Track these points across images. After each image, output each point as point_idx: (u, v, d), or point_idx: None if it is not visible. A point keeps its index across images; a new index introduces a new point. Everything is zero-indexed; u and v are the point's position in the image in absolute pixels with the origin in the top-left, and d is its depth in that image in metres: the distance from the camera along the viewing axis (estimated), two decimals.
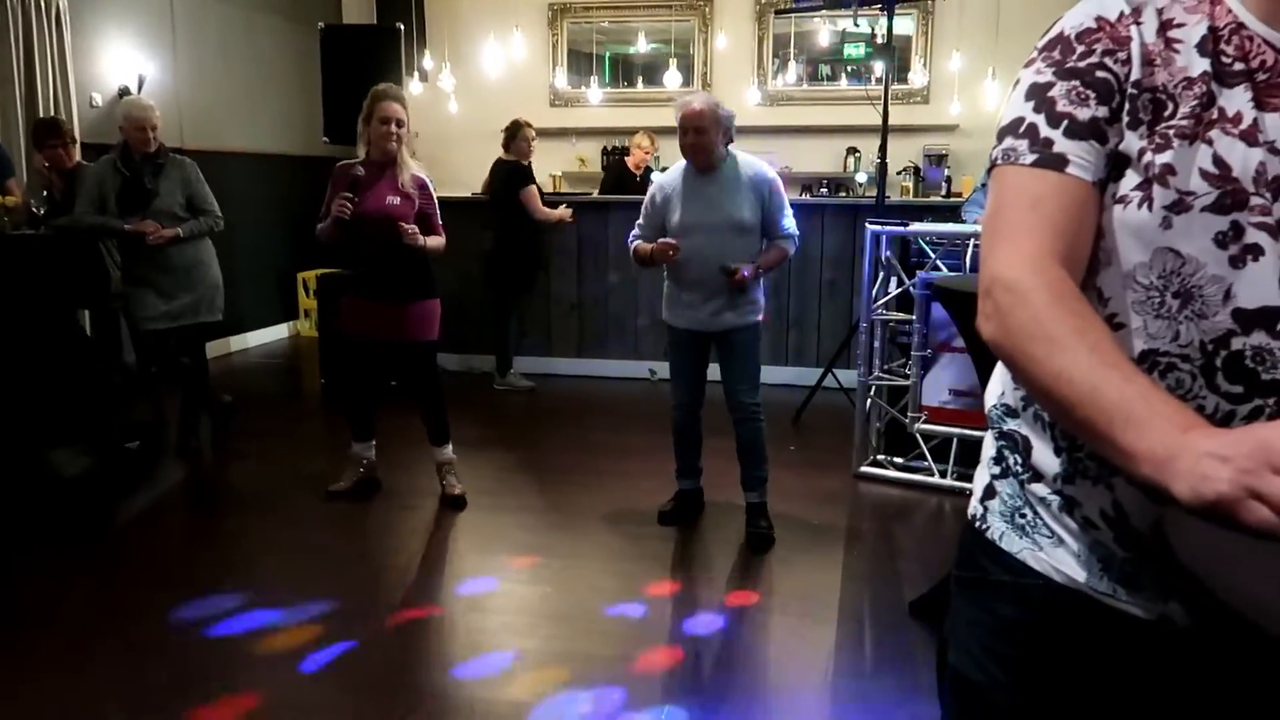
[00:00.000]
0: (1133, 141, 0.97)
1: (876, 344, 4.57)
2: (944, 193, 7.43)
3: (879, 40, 7.56)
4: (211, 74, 7.23)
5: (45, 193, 4.70)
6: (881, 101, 5.30)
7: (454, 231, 5.48)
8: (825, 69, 8.43)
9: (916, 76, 7.89)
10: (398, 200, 3.85)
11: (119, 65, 6.42)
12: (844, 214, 6.24)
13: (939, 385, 4.40)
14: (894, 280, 4.55)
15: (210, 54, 7.22)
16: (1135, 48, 0.97)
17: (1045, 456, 1.07)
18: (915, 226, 4.45)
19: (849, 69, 8.37)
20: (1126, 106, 0.97)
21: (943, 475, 4.34)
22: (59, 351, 4.58)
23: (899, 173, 7.59)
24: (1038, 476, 1.08)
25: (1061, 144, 0.98)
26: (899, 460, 4.55)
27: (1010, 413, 1.14)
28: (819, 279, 6.22)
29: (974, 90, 7.58)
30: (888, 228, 4.48)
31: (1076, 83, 0.99)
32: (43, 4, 5.66)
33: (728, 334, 3.62)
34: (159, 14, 6.75)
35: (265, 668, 2.78)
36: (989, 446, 1.18)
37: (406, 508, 4.11)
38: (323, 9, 8.41)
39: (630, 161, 7.35)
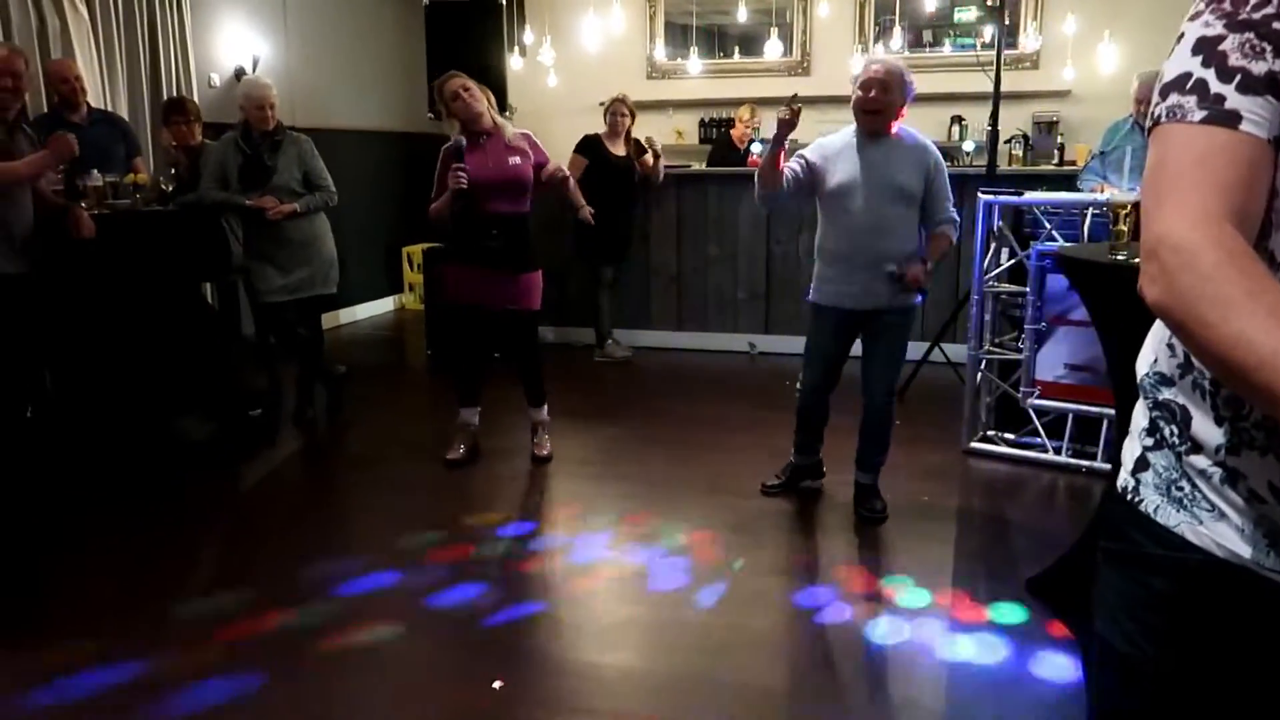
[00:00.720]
0: None
1: (988, 317, 4.46)
2: (1056, 161, 7.17)
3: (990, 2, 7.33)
4: (321, 53, 7.42)
5: (172, 170, 4.90)
6: (993, 67, 5.14)
7: (550, 205, 5.63)
8: (928, 35, 8.20)
9: (1029, 40, 7.61)
10: (517, 159, 4.01)
11: (235, 47, 6.64)
12: (952, 183, 6.05)
13: (1054, 360, 4.28)
14: (1005, 252, 4.42)
15: (320, 34, 7.41)
16: None
17: (1206, 427, 1.03)
18: (1030, 196, 4.31)
19: (954, 34, 8.12)
20: None
21: (1057, 452, 4.22)
22: (184, 322, 4.78)
23: (1007, 141, 7.35)
24: (1197, 448, 1.04)
25: (1234, 99, 0.93)
26: (1010, 436, 4.45)
27: (1165, 381, 1.10)
28: None
29: (1088, 55, 7.28)
30: (1001, 197, 4.36)
31: (1250, 34, 0.93)
32: None
33: (879, 314, 3.46)
34: None
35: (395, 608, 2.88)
36: (1140, 417, 1.15)
37: (510, 475, 4.21)
38: None
39: (734, 134, 7.30)
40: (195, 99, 6.03)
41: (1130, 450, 1.16)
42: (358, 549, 3.46)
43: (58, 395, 4.52)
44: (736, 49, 8.59)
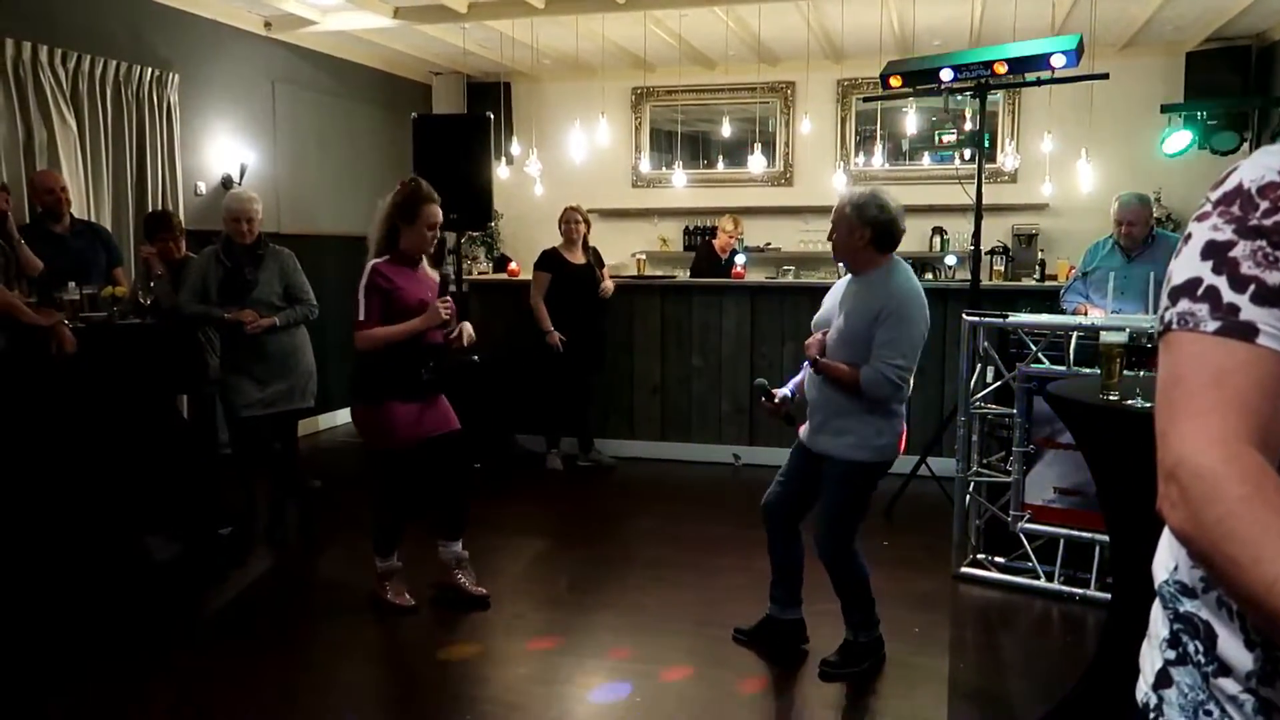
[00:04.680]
0: None
1: (975, 437, 4.41)
2: (1038, 276, 7.24)
3: (968, 119, 7.51)
4: (309, 161, 7.49)
5: (151, 283, 4.85)
6: (973, 182, 5.20)
7: (527, 317, 5.89)
8: (908, 146, 8.37)
9: (1007, 159, 7.77)
10: (430, 293, 3.80)
11: (223, 155, 6.68)
12: (934, 299, 6.00)
13: (1043, 482, 4.21)
14: (991, 371, 4.40)
15: (308, 143, 7.49)
16: None
17: (1235, 650, 0.96)
18: (1015, 318, 4.31)
19: (935, 149, 8.30)
20: None
21: (1049, 578, 4.12)
22: (157, 436, 4.67)
23: (989, 252, 7.43)
24: (1225, 670, 0.97)
25: (1249, 310, 0.89)
26: (1000, 560, 4.35)
27: (1187, 592, 1.03)
28: None
29: (1066, 171, 7.43)
30: (986, 319, 4.35)
31: (1262, 242, 0.90)
32: (155, 99, 5.94)
33: (824, 459, 3.26)
34: (262, 105, 7.03)
35: None
36: (1161, 625, 1.07)
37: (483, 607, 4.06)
38: (416, 100, 8.69)
39: (717, 244, 7.37)
40: (181, 208, 6.05)
41: (1150, 660, 1.08)
42: (323, 692, 3.29)
43: (20, 510, 4.36)
44: (721, 159, 8.75)
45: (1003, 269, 7.41)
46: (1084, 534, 4.02)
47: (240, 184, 6.58)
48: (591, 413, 6.44)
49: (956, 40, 7.33)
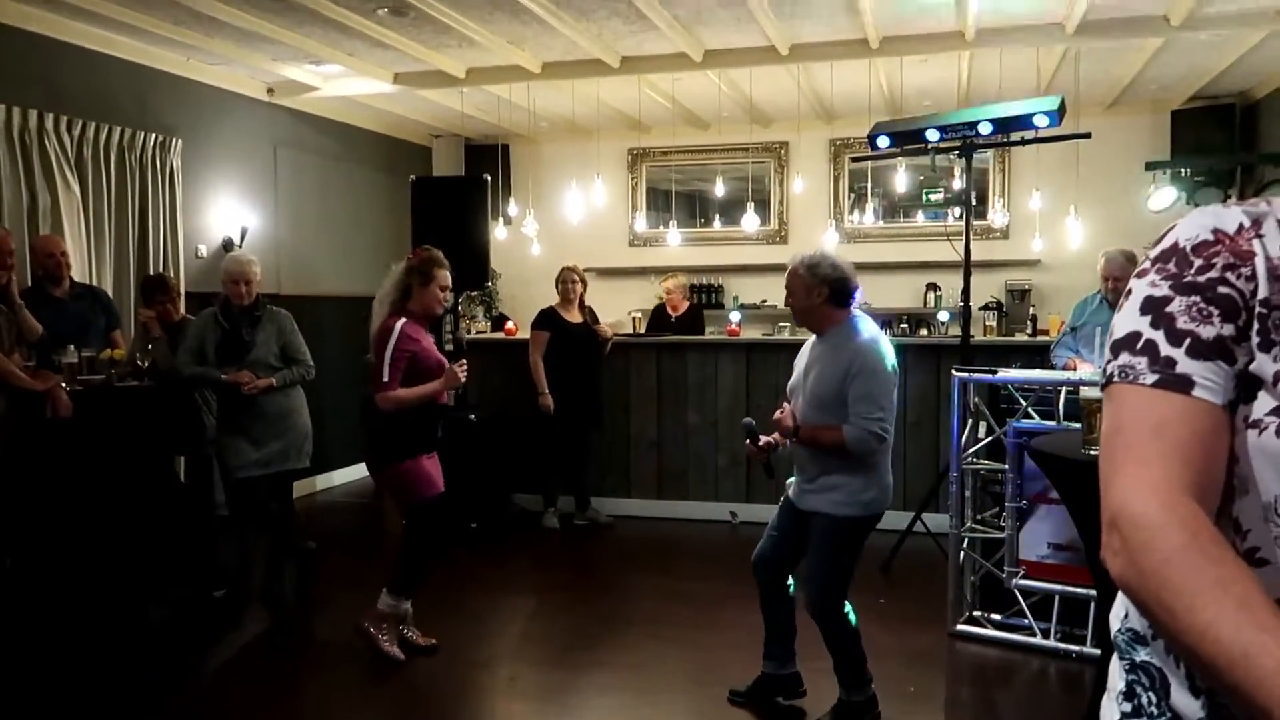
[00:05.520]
0: (1265, 364, 0.91)
1: (968, 493, 4.42)
2: (1029, 331, 7.30)
3: (957, 177, 7.61)
4: (309, 223, 7.60)
5: (149, 345, 4.91)
6: (961, 240, 5.27)
7: (526, 375, 5.93)
8: (899, 201, 8.49)
9: (996, 216, 7.88)
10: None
11: (224, 218, 6.78)
12: (927, 354, 6.16)
13: (1037, 538, 4.21)
14: (984, 427, 4.42)
15: (309, 205, 7.61)
16: (1260, 263, 0.93)
17: (1183, 698, 0.98)
18: (1004, 374, 4.34)
19: (927, 209, 8.41)
20: (1255, 326, 0.92)
21: (1045, 635, 4.10)
22: (153, 497, 4.69)
23: (982, 308, 7.50)
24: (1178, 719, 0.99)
25: (1185, 364, 0.92)
26: (996, 617, 4.33)
27: (1139, 640, 1.05)
28: (903, 420, 6.10)
29: (1055, 228, 7.53)
30: (975, 375, 4.38)
31: (1197, 298, 0.93)
32: (158, 164, 6.06)
33: (811, 516, 3.28)
34: (264, 169, 7.16)
35: None
36: (1117, 677, 1.09)
37: (479, 663, 4.03)
38: (416, 162, 8.85)
39: (667, 304, 7.45)
40: (182, 271, 6.13)
41: (1108, 713, 1.09)
42: None
43: (17, 572, 4.36)
44: (717, 217, 8.85)
45: (995, 324, 7.46)
46: (1079, 590, 4.01)
47: (241, 246, 6.67)
48: (589, 471, 6.45)
49: (945, 100, 7.48)
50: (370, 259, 8.21)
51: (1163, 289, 0.96)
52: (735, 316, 7.13)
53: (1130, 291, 1.00)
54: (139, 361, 4.85)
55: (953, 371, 4.44)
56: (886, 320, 8.07)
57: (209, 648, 4.29)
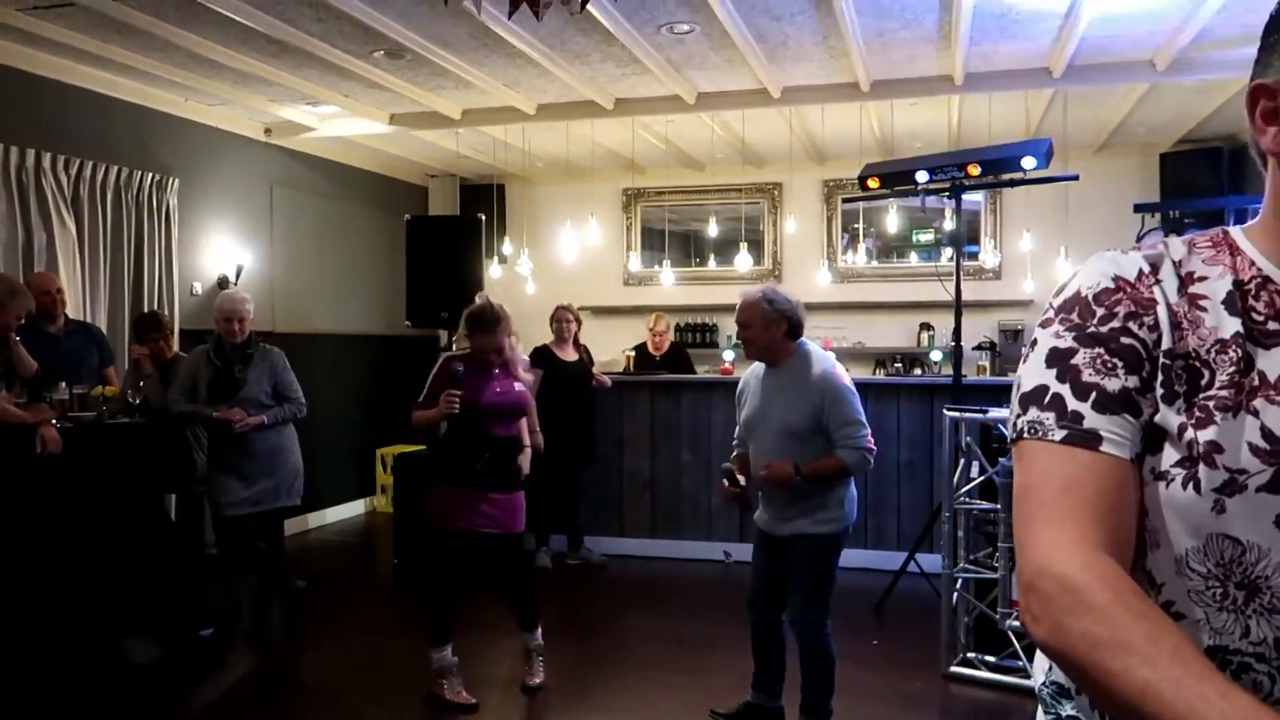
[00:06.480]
0: (1170, 416, 0.89)
1: (960, 533, 4.40)
2: None
3: (948, 216, 7.67)
4: (304, 261, 7.62)
5: (140, 382, 4.91)
6: (953, 280, 5.30)
7: None
8: (894, 240, 8.54)
9: (988, 257, 7.93)
10: (521, 386, 4.04)
11: (220, 256, 6.81)
12: (920, 393, 6.17)
13: None
14: (976, 466, 4.42)
15: (304, 243, 7.64)
16: (1162, 311, 0.91)
17: None
18: (995, 413, 4.35)
19: (918, 247, 8.47)
20: (1160, 377, 0.90)
21: None
22: (142, 535, 4.66)
23: (976, 348, 7.53)
24: None
25: (1092, 418, 0.90)
26: (990, 659, 4.29)
27: (1064, 693, 1.03)
28: (896, 459, 6.09)
29: (1046, 268, 7.58)
30: (966, 413, 4.39)
31: (1100, 350, 0.92)
32: (155, 203, 6.09)
33: (795, 539, 3.37)
34: (259, 208, 7.20)
35: None
36: None
37: (484, 704, 3.99)
38: (411, 201, 8.91)
39: (650, 344, 7.46)
40: (177, 308, 6.14)
41: None
42: None
43: (2, 609, 4.32)
44: (711, 257, 8.89)
45: (989, 364, 7.48)
46: None
47: (236, 284, 6.69)
48: (582, 510, 6.42)
49: (936, 141, 7.55)
50: (365, 298, 8.26)
51: (1067, 340, 0.94)
52: (729, 355, 7.15)
53: (1036, 342, 0.97)
54: (130, 398, 4.84)
55: (944, 410, 4.45)
56: (880, 359, 8.11)
57: (195, 688, 4.24)
